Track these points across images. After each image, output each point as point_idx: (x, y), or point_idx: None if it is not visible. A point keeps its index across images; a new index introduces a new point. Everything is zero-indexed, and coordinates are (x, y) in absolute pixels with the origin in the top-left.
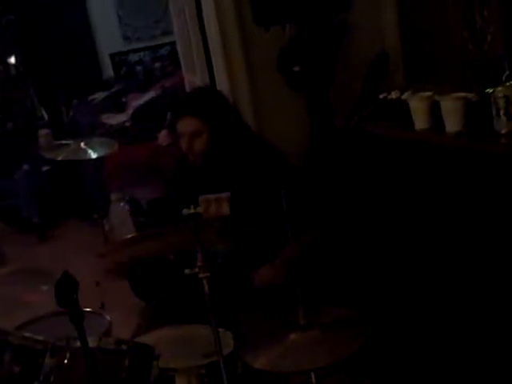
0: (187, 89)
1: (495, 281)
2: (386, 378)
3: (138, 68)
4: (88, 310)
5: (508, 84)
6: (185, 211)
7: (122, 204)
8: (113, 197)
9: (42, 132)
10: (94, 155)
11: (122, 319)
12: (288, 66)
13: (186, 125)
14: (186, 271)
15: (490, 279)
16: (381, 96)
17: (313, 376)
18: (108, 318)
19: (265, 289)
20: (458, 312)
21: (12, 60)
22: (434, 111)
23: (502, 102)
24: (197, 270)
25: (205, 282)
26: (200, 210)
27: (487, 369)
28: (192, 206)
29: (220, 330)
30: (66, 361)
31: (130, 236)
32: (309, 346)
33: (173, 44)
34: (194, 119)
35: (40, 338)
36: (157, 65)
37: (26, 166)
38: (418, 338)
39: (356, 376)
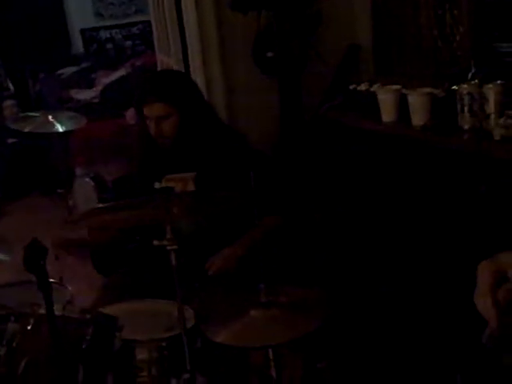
0: (159, 68)
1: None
2: (341, 361)
3: (109, 45)
4: (51, 280)
5: (473, 82)
6: (156, 184)
7: (87, 180)
8: (78, 172)
9: (8, 103)
10: (61, 129)
11: (82, 293)
12: (262, 51)
13: (152, 110)
14: (155, 242)
15: (449, 269)
16: (350, 87)
17: (270, 352)
18: (70, 288)
19: (217, 276)
20: (420, 290)
21: None
22: (402, 104)
23: (466, 99)
24: (165, 242)
25: (173, 254)
26: (171, 184)
27: (448, 354)
28: (163, 180)
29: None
30: (29, 327)
31: (101, 206)
32: (268, 323)
33: (145, 23)
34: (160, 104)
35: (3, 303)
36: (128, 43)
37: None
38: (376, 322)
39: (312, 357)
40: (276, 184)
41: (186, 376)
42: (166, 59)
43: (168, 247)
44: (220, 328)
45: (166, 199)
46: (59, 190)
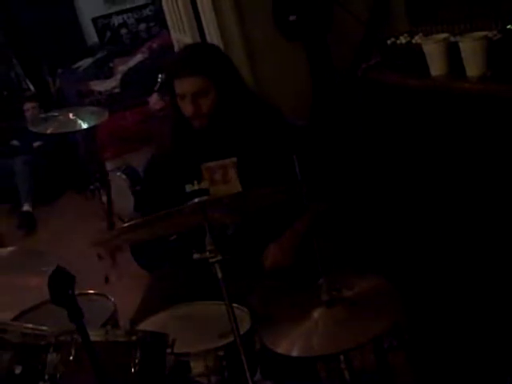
0: (176, 49)
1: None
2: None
3: (123, 31)
4: (91, 292)
5: None
6: (188, 188)
7: (118, 174)
8: (108, 166)
9: (28, 105)
10: (84, 125)
11: (128, 292)
12: (283, 16)
13: (188, 85)
14: (195, 256)
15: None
16: (388, 41)
17: (341, 357)
18: (112, 299)
19: (274, 271)
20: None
21: None
22: (452, 54)
23: None
24: (207, 254)
25: (217, 266)
26: (205, 185)
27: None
28: (196, 182)
29: (235, 305)
30: (71, 357)
31: (129, 223)
32: (335, 325)
33: (156, 3)
34: (197, 78)
35: (42, 329)
36: (142, 26)
37: (15, 142)
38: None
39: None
40: (320, 165)
41: None
42: (182, 37)
43: (211, 260)
44: (280, 336)
45: (204, 205)
46: (92, 187)
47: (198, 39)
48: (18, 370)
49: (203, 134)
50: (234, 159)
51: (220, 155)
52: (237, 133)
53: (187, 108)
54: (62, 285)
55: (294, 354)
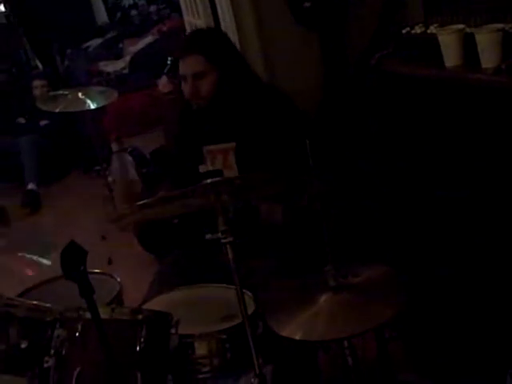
0: (188, 32)
1: None
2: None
3: (133, 12)
4: (97, 271)
5: None
6: (202, 168)
7: (124, 154)
8: (114, 147)
9: (37, 83)
10: (92, 105)
11: (131, 274)
12: (298, 2)
13: (188, 65)
14: (208, 236)
15: None
16: (403, 31)
17: (346, 343)
18: (118, 279)
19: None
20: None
21: (1, 8)
22: (467, 45)
23: None
24: (219, 235)
25: (229, 247)
26: (219, 165)
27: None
28: (209, 163)
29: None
30: (77, 333)
31: (144, 201)
32: (341, 310)
33: None
34: (196, 58)
35: (48, 305)
36: (152, 8)
37: (21, 120)
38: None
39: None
40: (328, 153)
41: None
42: (195, 20)
43: (223, 240)
44: (285, 319)
45: (217, 186)
46: (97, 168)
47: (212, 23)
48: (24, 345)
49: (203, 116)
50: (234, 144)
51: (221, 139)
52: (238, 117)
53: (186, 90)
54: (74, 260)
55: (298, 337)
